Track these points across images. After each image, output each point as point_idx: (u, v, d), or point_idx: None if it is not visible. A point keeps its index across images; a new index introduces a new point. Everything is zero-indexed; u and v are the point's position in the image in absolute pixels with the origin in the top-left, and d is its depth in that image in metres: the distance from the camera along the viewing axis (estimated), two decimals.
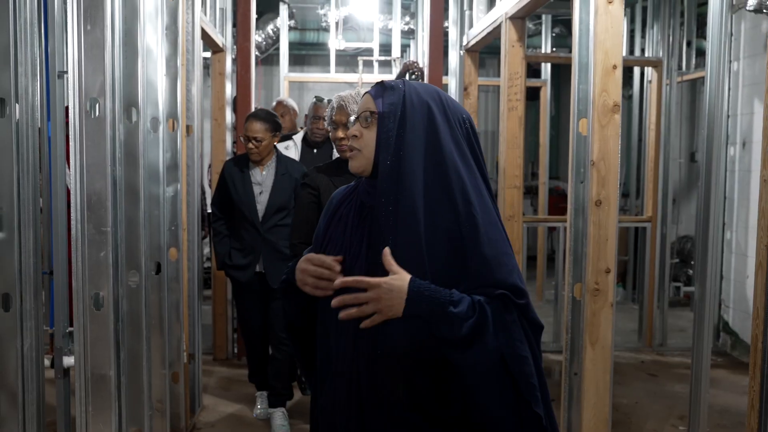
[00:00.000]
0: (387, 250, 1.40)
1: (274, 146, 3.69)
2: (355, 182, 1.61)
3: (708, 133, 2.58)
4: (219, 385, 4.41)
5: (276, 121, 3.66)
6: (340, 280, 1.41)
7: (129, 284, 2.64)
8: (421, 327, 1.40)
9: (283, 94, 6.67)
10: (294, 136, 4.26)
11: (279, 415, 3.72)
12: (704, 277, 2.66)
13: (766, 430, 1.59)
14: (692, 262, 7.10)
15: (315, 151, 4.17)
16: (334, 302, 1.40)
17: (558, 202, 9.39)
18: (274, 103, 5.07)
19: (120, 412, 2.44)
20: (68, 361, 2.66)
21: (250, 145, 3.57)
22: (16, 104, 2.31)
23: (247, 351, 4.00)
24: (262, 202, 3.64)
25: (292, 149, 4.16)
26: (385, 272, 1.39)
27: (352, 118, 1.53)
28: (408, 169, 1.42)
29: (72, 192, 2.35)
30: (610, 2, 2.46)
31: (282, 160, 3.73)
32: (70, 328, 2.67)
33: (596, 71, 2.47)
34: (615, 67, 2.48)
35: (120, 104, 2.47)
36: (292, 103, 5.03)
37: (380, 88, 1.51)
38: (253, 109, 4.92)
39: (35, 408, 2.39)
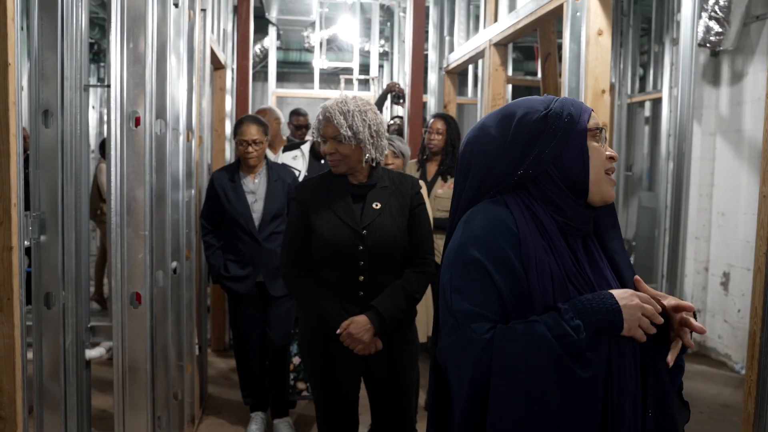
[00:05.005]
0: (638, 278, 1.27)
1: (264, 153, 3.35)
2: (524, 205, 1.26)
3: (679, 150, 2.64)
4: (219, 375, 4.32)
5: (266, 124, 3.33)
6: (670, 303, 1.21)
7: (157, 283, 2.58)
8: None
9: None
10: (302, 146, 3.87)
11: (285, 425, 3.33)
12: (675, 277, 2.71)
13: (762, 414, 1.63)
14: None
15: (322, 162, 3.78)
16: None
17: None
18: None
19: (153, 403, 2.37)
20: (90, 353, 2.57)
21: (250, 149, 3.19)
22: (61, 116, 2.23)
23: (243, 370, 3.44)
24: (257, 210, 3.23)
25: (299, 159, 3.81)
26: None
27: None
28: None
29: (112, 198, 2.27)
30: (600, 34, 2.50)
31: (272, 166, 3.33)
32: (92, 323, 2.59)
33: (587, 95, 2.50)
34: (603, 91, 2.51)
35: (153, 116, 2.41)
36: (277, 111, 4.46)
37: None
38: None
39: (75, 400, 2.31)
